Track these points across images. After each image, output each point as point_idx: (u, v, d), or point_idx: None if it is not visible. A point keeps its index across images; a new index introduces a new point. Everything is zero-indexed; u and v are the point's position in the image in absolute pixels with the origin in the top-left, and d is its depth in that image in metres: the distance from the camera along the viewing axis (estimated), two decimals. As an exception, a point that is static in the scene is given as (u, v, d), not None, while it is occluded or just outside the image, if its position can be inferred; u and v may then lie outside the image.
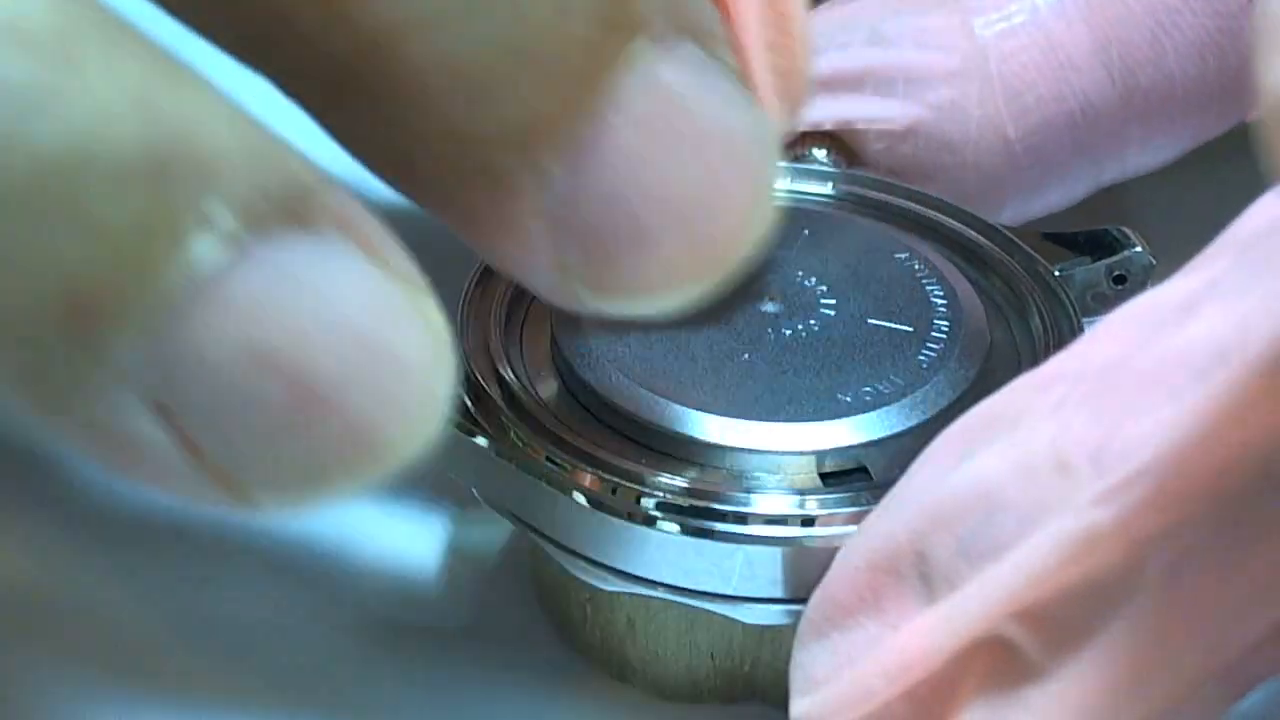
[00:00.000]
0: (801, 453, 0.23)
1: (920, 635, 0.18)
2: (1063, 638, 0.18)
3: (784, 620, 0.22)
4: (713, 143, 0.17)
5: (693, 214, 0.17)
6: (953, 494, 0.19)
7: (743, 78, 0.21)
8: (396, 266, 0.16)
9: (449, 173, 0.17)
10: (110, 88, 0.15)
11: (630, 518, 0.22)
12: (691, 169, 0.17)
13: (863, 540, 0.20)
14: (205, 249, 0.15)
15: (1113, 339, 0.19)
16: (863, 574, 0.19)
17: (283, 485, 0.16)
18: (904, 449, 0.22)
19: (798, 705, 0.20)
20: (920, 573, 0.19)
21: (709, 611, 0.23)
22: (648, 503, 0.22)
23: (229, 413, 0.16)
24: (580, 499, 0.23)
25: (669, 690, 0.25)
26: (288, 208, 0.16)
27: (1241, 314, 0.18)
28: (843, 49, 0.28)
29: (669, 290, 0.18)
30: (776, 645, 0.24)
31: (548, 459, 0.23)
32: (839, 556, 0.20)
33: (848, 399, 0.24)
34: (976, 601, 0.18)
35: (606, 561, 0.23)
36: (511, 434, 0.23)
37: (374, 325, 0.16)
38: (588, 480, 0.23)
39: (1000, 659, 0.18)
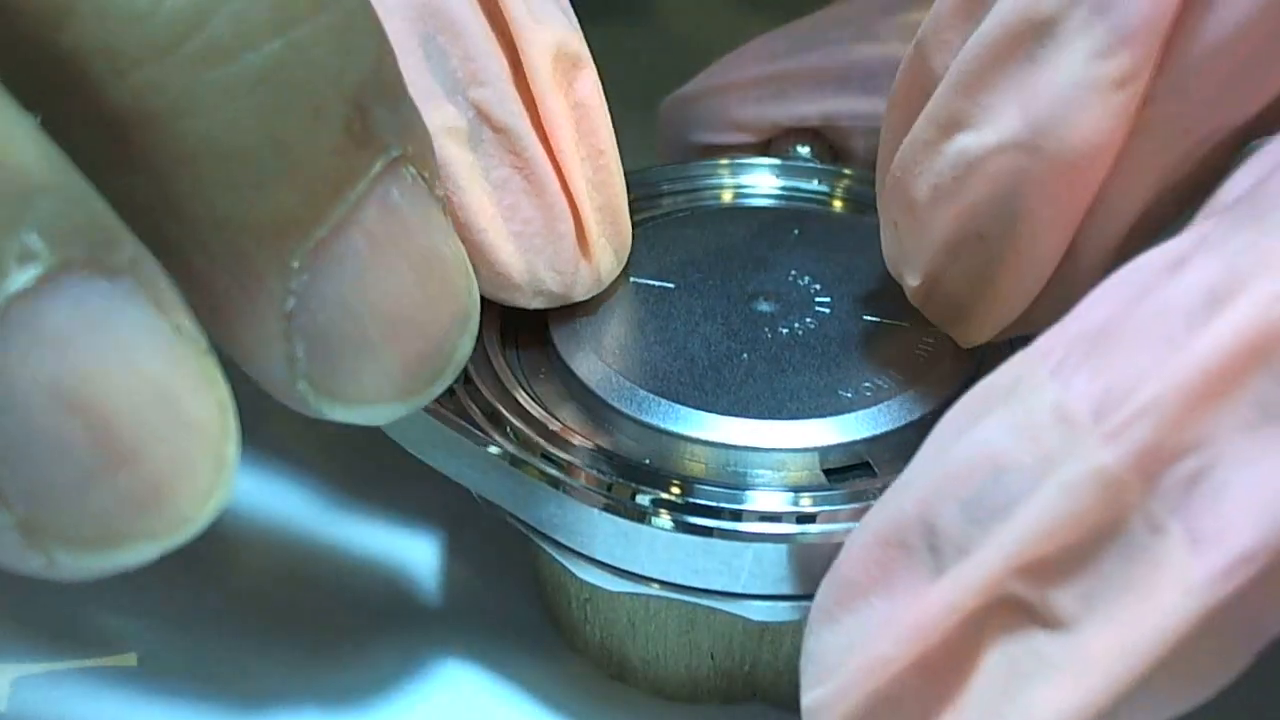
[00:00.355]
0: (804, 450, 0.23)
1: (932, 600, 0.18)
2: (1076, 588, 0.18)
3: (790, 616, 0.22)
4: (428, 266, 0.19)
5: (408, 330, 0.19)
6: (957, 463, 0.19)
7: (559, 210, 0.23)
8: (187, 330, 0.17)
9: (206, 256, 0.18)
10: None
11: (630, 516, 0.22)
12: (410, 287, 0.19)
13: (870, 520, 0.20)
14: (20, 277, 0.16)
15: (1106, 301, 0.19)
16: (871, 550, 0.19)
17: (83, 541, 0.16)
18: (906, 443, 0.22)
19: (810, 696, 0.19)
20: (929, 544, 0.19)
21: (712, 610, 0.23)
22: (646, 501, 0.22)
23: (33, 454, 0.16)
24: (579, 498, 0.22)
25: (669, 690, 0.25)
26: (94, 250, 0.16)
27: (1229, 259, 0.18)
28: (830, 45, 0.28)
29: (383, 400, 0.19)
30: (777, 645, 0.24)
31: (546, 458, 0.23)
32: (848, 539, 0.20)
33: (848, 395, 0.24)
34: (987, 560, 0.18)
35: (608, 560, 0.23)
36: (509, 434, 0.23)
37: (169, 382, 0.16)
38: (586, 479, 0.23)
39: (1013, 618, 0.18)
